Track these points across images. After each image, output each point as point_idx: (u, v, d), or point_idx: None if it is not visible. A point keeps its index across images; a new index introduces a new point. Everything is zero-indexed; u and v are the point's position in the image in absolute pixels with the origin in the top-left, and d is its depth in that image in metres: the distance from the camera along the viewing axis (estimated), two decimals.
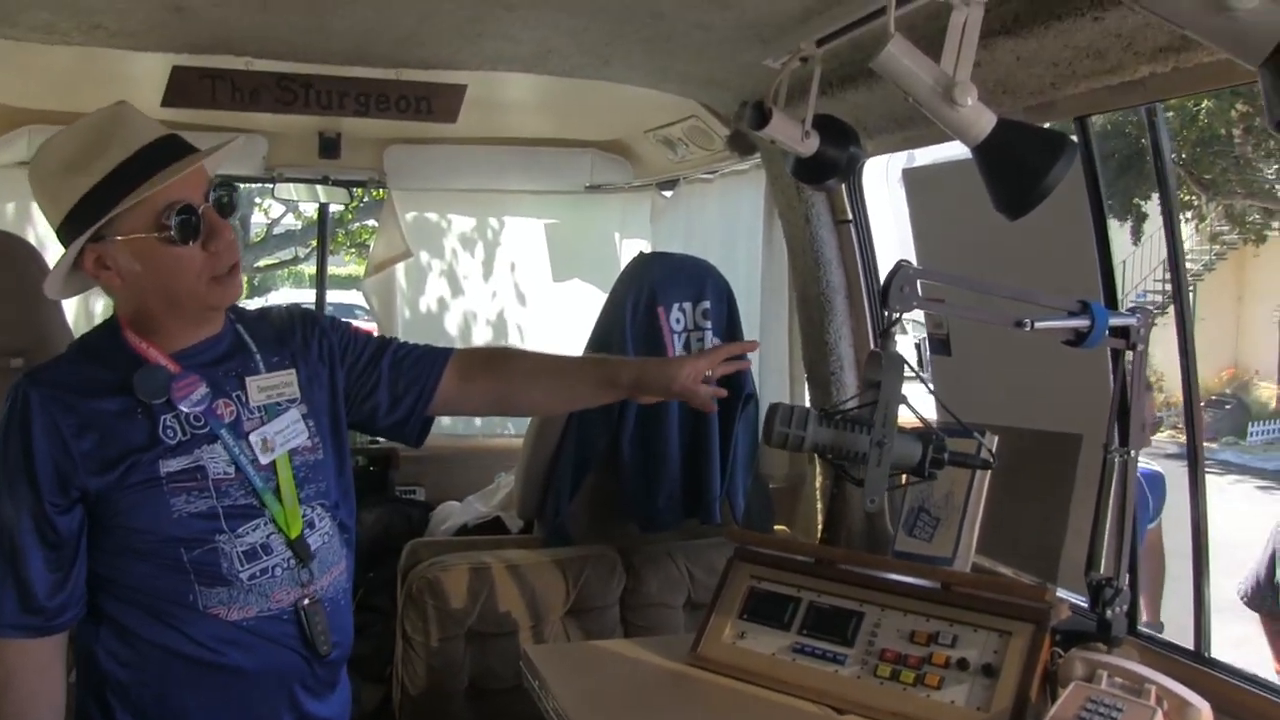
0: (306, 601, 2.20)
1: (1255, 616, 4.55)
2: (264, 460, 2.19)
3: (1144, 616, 4.36)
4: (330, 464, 2.35)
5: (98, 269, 2.09)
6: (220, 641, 2.13)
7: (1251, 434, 18.45)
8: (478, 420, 5.82)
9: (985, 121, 2.14)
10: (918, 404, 2.43)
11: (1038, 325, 2.28)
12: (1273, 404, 19.28)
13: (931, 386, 2.71)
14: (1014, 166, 2.15)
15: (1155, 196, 17.93)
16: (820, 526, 3.92)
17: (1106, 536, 2.47)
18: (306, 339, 2.39)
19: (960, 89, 2.07)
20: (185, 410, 2.12)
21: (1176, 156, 17.73)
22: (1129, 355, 2.46)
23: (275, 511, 2.18)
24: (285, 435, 2.24)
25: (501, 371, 2.63)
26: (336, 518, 2.34)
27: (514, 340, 5.88)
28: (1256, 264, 20.95)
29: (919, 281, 2.29)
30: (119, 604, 2.13)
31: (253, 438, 2.19)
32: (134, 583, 2.12)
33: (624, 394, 2.61)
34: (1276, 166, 18.92)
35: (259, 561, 2.16)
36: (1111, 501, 2.46)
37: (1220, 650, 2.53)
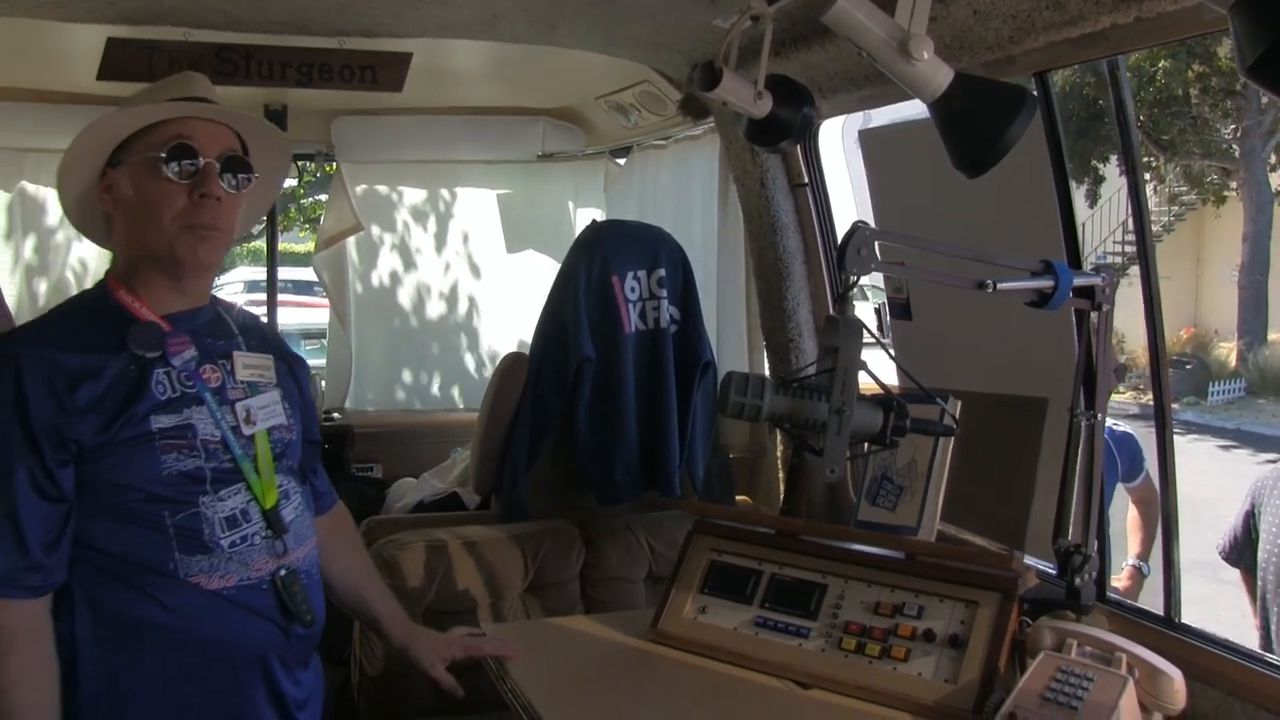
0: (283, 572, 2.20)
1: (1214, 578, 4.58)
2: (246, 431, 2.21)
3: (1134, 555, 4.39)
4: (300, 445, 2.39)
5: (103, 192, 2.19)
6: (197, 611, 2.10)
7: (1212, 394, 18.64)
8: (434, 392, 5.83)
9: (942, 76, 2.09)
10: (879, 370, 2.37)
11: (1000, 286, 2.23)
12: (1232, 363, 19.48)
13: (892, 352, 2.66)
14: (972, 122, 2.11)
15: (1113, 159, 18.07)
16: (782, 497, 3.87)
17: (1074, 502, 2.43)
18: (281, 345, 2.47)
19: (915, 42, 2.03)
20: (177, 366, 2.14)
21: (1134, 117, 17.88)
22: (1094, 316, 2.42)
23: (253, 481, 2.18)
24: (267, 412, 2.27)
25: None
26: (307, 495, 2.39)
27: (466, 313, 5.85)
28: (1216, 225, 21.19)
29: (877, 244, 2.23)
30: (91, 572, 2.08)
31: (237, 407, 2.21)
32: (111, 549, 2.08)
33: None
34: (1234, 126, 19.11)
35: (239, 529, 2.15)
36: (1079, 466, 2.42)
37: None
